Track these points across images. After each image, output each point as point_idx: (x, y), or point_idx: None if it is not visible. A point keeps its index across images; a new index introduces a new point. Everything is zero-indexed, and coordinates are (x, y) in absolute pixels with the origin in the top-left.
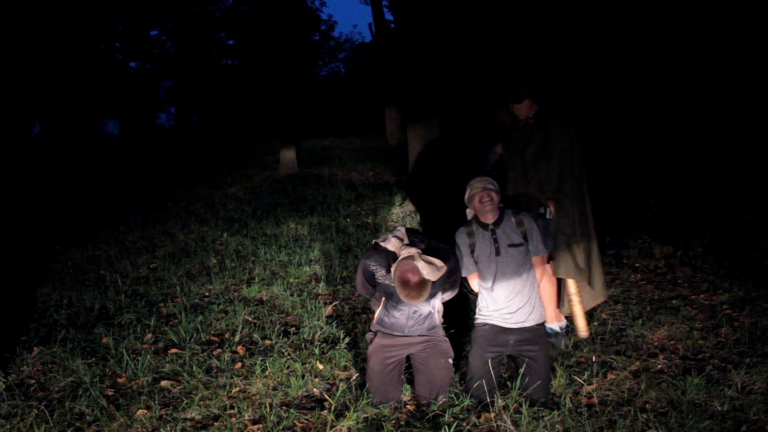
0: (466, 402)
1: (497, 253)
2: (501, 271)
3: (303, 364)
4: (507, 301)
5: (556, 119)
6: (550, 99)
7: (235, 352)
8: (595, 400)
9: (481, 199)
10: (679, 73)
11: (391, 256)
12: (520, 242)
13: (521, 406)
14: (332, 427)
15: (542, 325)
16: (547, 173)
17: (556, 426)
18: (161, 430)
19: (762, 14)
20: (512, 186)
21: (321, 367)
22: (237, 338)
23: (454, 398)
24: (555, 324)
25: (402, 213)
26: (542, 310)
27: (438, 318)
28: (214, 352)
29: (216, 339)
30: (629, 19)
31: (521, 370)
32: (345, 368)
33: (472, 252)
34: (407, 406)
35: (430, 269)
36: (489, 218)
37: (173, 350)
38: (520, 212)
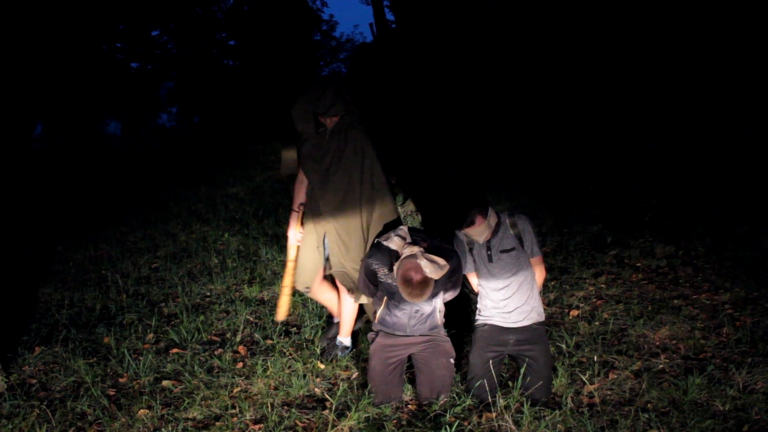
0: (468, 402)
1: (489, 259)
2: (495, 275)
3: (304, 363)
4: (503, 302)
5: (355, 131)
6: (353, 109)
7: (237, 352)
8: (597, 399)
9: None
10: (680, 71)
11: (394, 255)
12: (511, 247)
13: (522, 405)
14: (333, 426)
15: (542, 324)
16: (336, 188)
17: (558, 425)
18: (163, 429)
19: (762, 14)
20: (309, 195)
21: (322, 366)
22: (238, 338)
23: (456, 398)
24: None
25: (404, 212)
26: (542, 310)
27: (440, 318)
28: (216, 352)
29: (217, 339)
30: (631, 17)
31: (522, 370)
32: (346, 368)
33: (471, 250)
34: (409, 406)
35: (432, 267)
36: (480, 241)
37: (175, 350)
38: (515, 213)
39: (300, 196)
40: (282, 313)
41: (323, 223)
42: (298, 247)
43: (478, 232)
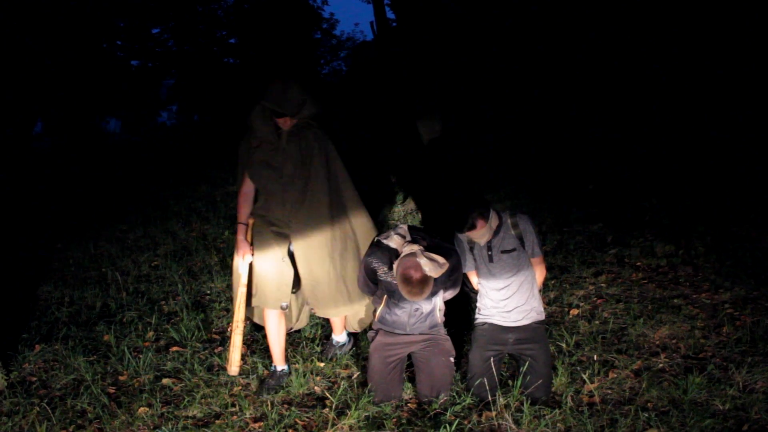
0: (468, 400)
1: (490, 259)
2: (496, 274)
3: (304, 362)
4: (503, 301)
5: (314, 132)
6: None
7: None
8: (597, 398)
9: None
10: (680, 71)
11: (393, 254)
12: (512, 248)
13: (522, 404)
14: (333, 425)
15: (541, 323)
16: (301, 194)
17: (558, 424)
18: (162, 427)
19: (762, 14)
20: (263, 207)
21: (322, 365)
22: None
23: (456, 396)
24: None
25: (403, 211)
26: (542, 309)
27: (440, 316)
28: (216, 350)
29: (217, 337)
30: (631, 16)
31: (522, 369)
32: (346, 366)
33: (472, 249)
34: (408, 405)
35: (432, 266)
36: (481, 243)
37: (175, 348)
38: (517, 213)
39: (247, 207)
40: (235, 361)
41: (288, 235)
42: (251, 266)
43: (479, 234)
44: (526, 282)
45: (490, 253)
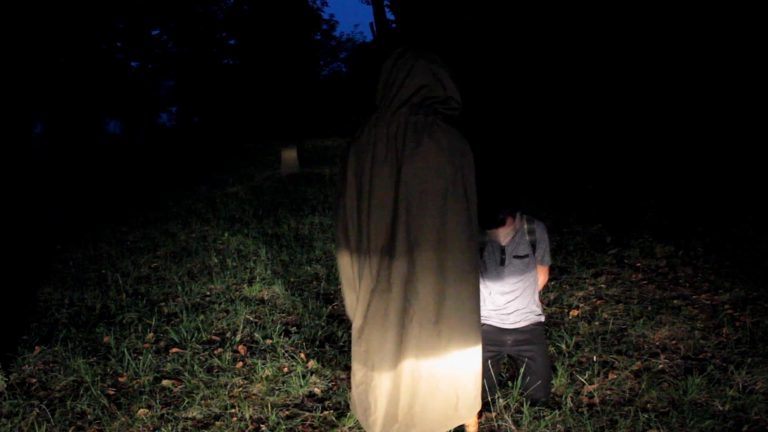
0: None
1: (501, 263)
2: (504, 278)
3: (305, 362)
4: (504, 304)
5: None
6: None
7: (237, 352)
8: (597, 399)
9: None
10: (679, 71)
11: None
12: (525, 254)
13: (522, 405)
14: (333, 426)
15: (540, 324)
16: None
17: (558, 425)
18: (162, 429)
19: (762, 15)
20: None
21: (322, 366)
22: (238, 338)
23: None
24: None
25: None
26: (540, 311)
27: None
28: (216, 352)
29: (217, 338)
30: (628, 16)
31: (522, 370)
32: (346, 368)
33: (482, 251)
34: None
35: None
36: (502, 242)
37: (174, 349)
38: (534, 220)
39: None
40: None
41: None
42: None
43: (504, 233)
44: (530, 287)
45: (503, 257)
